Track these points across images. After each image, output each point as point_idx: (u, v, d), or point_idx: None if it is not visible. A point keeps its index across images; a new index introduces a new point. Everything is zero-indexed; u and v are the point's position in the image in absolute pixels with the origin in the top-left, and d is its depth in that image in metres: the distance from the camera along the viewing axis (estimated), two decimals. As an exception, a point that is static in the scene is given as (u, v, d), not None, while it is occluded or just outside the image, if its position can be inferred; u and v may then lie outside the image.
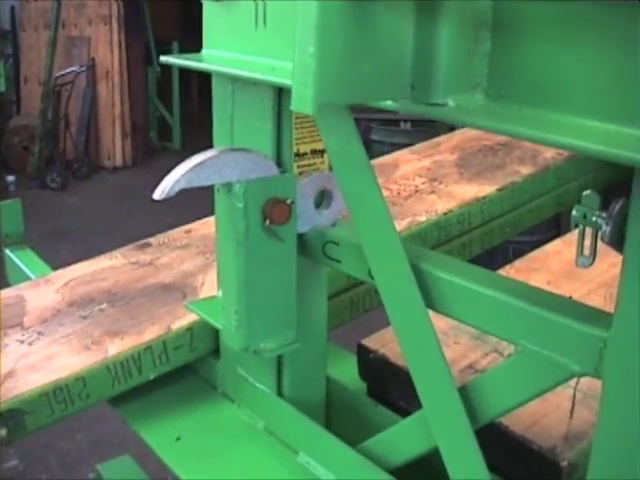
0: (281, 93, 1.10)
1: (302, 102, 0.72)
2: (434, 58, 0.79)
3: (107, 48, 7.50)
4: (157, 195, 0.99)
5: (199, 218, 1.91)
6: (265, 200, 1.07)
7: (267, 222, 1.07)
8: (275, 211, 1.07)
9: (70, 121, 7.19)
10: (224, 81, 1.18)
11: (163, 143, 8.26)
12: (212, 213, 1.89)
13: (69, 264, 1.70)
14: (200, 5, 1.18)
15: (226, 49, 1.14)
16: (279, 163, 1.13)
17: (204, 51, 1.20)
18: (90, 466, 3.17)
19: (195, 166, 1.01)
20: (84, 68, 7.27)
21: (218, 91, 1.21)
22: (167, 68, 8.05)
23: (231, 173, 1.04)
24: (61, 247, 5.23)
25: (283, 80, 1.00)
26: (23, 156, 7.14)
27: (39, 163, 6.95)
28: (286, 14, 1.01)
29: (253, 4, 1.06)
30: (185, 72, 8.30)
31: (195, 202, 2.26)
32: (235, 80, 1.15)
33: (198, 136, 8.29)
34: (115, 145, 7.60)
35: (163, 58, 1.22)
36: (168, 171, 1.02)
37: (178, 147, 8.19)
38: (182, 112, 8.31)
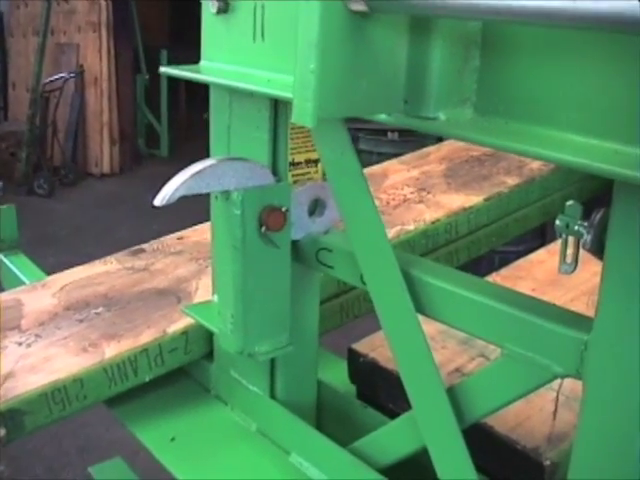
0: (277, 104, 1.14)
1: (302, 115, 0.77)
2: (426, 75, 0.83)
3: (96, 55, 7.52)
4: (158, 201, 1.03)
5: (185, 225, 1.95)
6: (261, 207, 1.11)
7: (263, 229, 1.11)
8: (271, 218, 1.11)
9: (58, 128, 7.20)
10: (222, 92, 1.22)
11: (151, 150, 8.28)
12: (197, 221, 1.93)
13: (57, 271, 1.74)
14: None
15: (224, 61, 1.18)
16: (275, 172, 1.17)
17: (202, 62, 1.23)
18: (76, 472, 3.20)
19: (195, 174, 1.04)
20: (72, 75, 7.29)
21: (216, 102, 1.24)
22: (155, 76, 8.08)
23: (229, 181, 1.08)
24: (49, 253, 5.24)
25: (280, 92, 1.03)
26: (10, 162, 7.14)
27: (26, 169, 6.95)
28: (284, 28, 1.05)
29: (251, 18, 1.10)
30: (173, 80, 8.33)
31: (180, 210, 2.29)
32: (233, 91, 1.19)
33: (186, 144, 8.37)
34: (103, 152, 7.61)
35: (162, 69, 1.25)
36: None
37: (165, 154, 8.22)
38: (170, 120, 8.33)
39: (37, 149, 7.01)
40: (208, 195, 1.19)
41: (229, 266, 1.14)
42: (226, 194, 1.10)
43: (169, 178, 1.05)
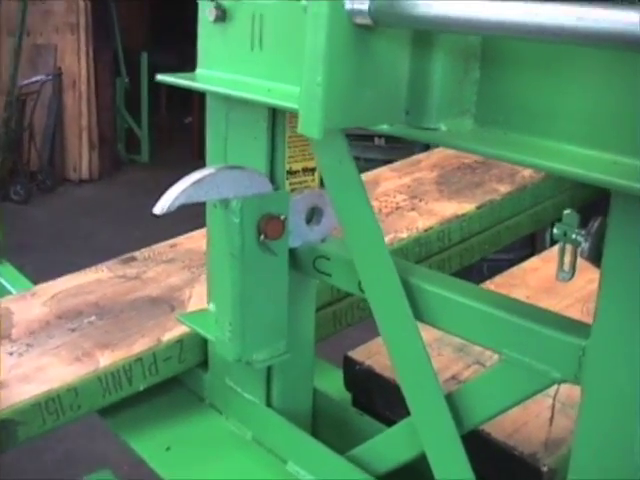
0: (275, 114, 1.18)
1: (309, 127, 0.81)
2: (428, 86, 0.88)
3: (74, 57, 7.52)
4: (158, 210, 1.06)
5: (165, 233, 1.98)
6: (260, 216, 1.14)
7: (262, 237, 1.15)
8: (269, 226, 1.15)
9: (35, 131, 7.19)
10: (219, 101, 1.26)
11: (131, 156, 8.28)
12: (179, 228, 1.95)
13: (37, 279, 1.76)
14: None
15: (221, 69, 1.21)
16: (272, 180, 1.21)
17: (198, 70, 1.26)
18: (57, 484, 3.20)
19: (195, 182, 1.08)
20: (50, 77, 7.28)
21: (212, 111, 1.28)
22: (135, 79, 8.10)
23: (228, 190, 1.12)
24: (26, 262, 5.19)
25: (280, 102, 1.07)
26: (-15, 167, 7.13)
27: (2, 175, 6.92)
28: (282, 37, 1.08)
29: (250, 26, 1.13)
30: (154, 84, 8.34)
31: (161, 218, 2.32)
32: (230, 100, 1.22)
33: (167, 149, 8.39)
34: (81, 157, 7.61)
35: (159, 77, 1.27)
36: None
37: (146, 160, 8.22)
38: (150, 124, 8.34)
39: (13, 154, 6.99)
40: (199, 204, 1.22)
41: (227, 274, 1.17)
42: (225, 202, 1.13)
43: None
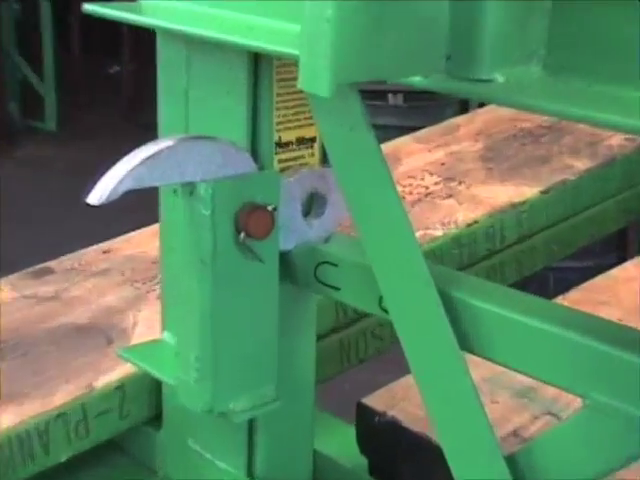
0: (258, 61, 1.20)
1: (314, 80, 0.83)
2: (478, 21, 0.90)
3: None
4: (94, 199, 1.08)
5: (88, 235, 1.98)
6: (239, 206, 1.16)
7: (242, 235, 1.17)
8: (252, 221, 1.16)
9: None
10: (175, 42, 1.27)
11: (29, 121, 8.24)
12: (106, 231, 1.95)
13: None
14: None
15: (179, -3, 1.24)
16: (255, 156, 1.23)
17: (145, -2, 1.29)
18: None
19: (147, 159, 1.10)
20: None
21: (166, 56, 1.30)
22: (32, 6, 8.02)
23: (194, 169, 1.14)
24: None
25: (264, 44, 1.09)
26: None
27: None
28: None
29: None
30: (62, 15, 8.31)
31: (78, 211, 2.32)
32: (192, 42, 1.24)
33: (83, 112, 8.37)
34: (-46, 124, 7.60)
35: (88, 6, 1.27)
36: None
37: (53, 127, 8.17)
38: (58, 75, 8.31)
39: None
40: (149, 189, 1.24)
41: (192, 288, 1.19)
42: (189, 187, 1.15)
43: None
